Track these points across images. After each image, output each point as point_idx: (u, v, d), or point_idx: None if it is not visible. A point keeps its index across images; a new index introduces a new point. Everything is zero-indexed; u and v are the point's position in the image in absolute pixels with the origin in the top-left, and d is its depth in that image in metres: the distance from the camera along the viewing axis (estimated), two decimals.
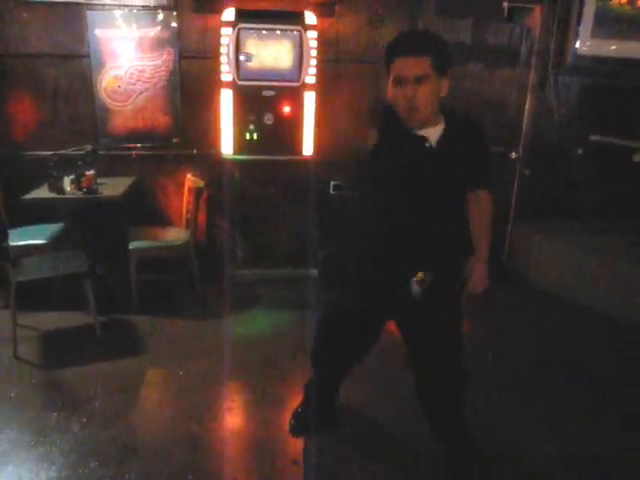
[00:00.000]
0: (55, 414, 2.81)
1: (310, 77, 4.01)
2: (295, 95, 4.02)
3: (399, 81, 1.85)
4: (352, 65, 4.45)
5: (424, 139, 1.94)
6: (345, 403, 2.83)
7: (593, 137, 4.69)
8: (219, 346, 3.54)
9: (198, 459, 2.52)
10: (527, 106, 4.64)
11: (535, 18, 4.44)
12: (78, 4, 4.13)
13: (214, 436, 2.71)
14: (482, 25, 4.44)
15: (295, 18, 3.93)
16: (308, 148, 4.17)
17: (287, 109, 4.04)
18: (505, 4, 4.29)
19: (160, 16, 4.19)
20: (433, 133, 1.95)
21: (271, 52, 3.96)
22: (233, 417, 2.90)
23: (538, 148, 4.71)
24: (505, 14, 4.31)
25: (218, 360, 3.36)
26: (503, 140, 4.67)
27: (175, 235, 4.14)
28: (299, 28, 3.91)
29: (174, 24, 4.20)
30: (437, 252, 2.03)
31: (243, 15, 3.85)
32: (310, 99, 4.05)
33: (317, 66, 4.03)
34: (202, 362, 3.32)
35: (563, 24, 4.47)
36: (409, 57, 1.83)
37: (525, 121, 4.67)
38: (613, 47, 4.52)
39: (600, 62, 4.57)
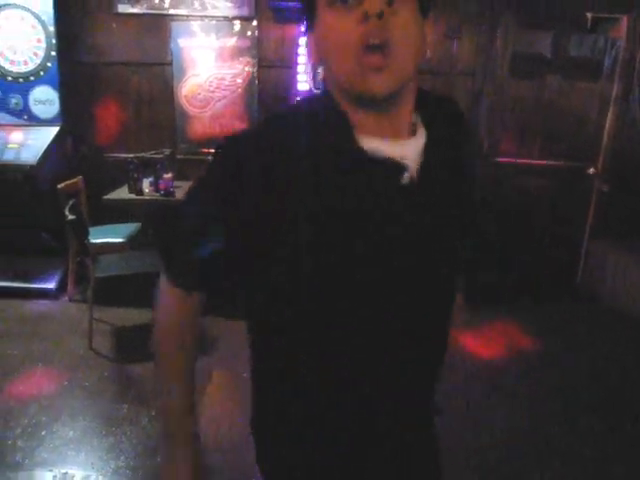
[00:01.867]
0: (125, 406, 2.92)
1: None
2: None
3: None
4: (426, 77, 4.41)
5: (397, 166, 0.87)
6: None
7: None
8: None
9: None
10: (608, 119, 4.46)
11: (620, 28, 4.28)
12: (163, 15, 4.32)
13: None
14: (564, 37, 4.32)
15: None
16: None
17: None
18: (589, 15, 4.16)
19: (240, 26, 4.31)
20: (410, 149, 0.89)
21: None
22: None
23: (619, 163, 4.52)
24: (588, 25, 4.17)
25: None
26: (581, 154, 4.53)
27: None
28: None
29: (253, 34, 4.32)
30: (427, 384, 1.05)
31: None
32: None
33: None
34: None
35: None
36: None
37: (605, 135, 4.50)
38: None
39: None
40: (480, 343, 3.78)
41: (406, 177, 0.87)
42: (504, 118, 4.51)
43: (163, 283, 0.99)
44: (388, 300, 0.89)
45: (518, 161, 4.59)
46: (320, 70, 1.02)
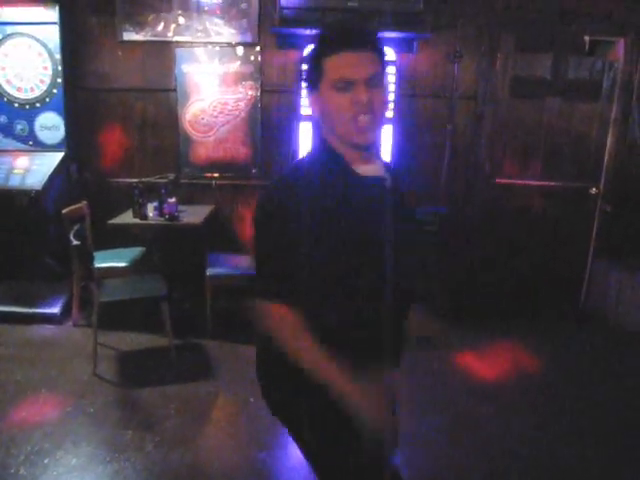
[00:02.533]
0: (130, 432, 2.90)
1: (388, 111, 4.05)
2: None
3: (343, 85, 1.33)
4: (428, 101, 4.47)
5: (383, 179, 1.47)
6: None
7: None
8: None
9: None
10: (609, 140, 4.50)
11: (618, 51, 4.33)
12: (167, 42, 4.38)
13: (281, 464, 2.72)
14: (562, 60, 4.37)
15: None
16: None
17: None
18: (587, 38, 4.22)
19: (243, 52, 4.37)
20: (381, 170, 1.49)
21: None
22: None
23: (621, 183, 4.54)
24: (587, 48, 4.23)
25: None
26: (583, 175, 4.55)
27: (251, 263, 4.22)
28: None
29: (257, 60, 4.37)
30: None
31: None
32: (387, 133, 4.10)
33: (395, 100, 4.10)
34: None
35: None
36: (360, 52, 1.33)
37: (606, 156, 4.53)
38: None
39: None
40: (484, 363, 3.77)
41: (388, 184, 1.46)
42: (505, 140, 4.54)
43: (270, 311, 1.37)
44: (383, 255, 1.42)
45: (520, 182, 4.61)
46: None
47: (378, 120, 1.38)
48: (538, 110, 4.47)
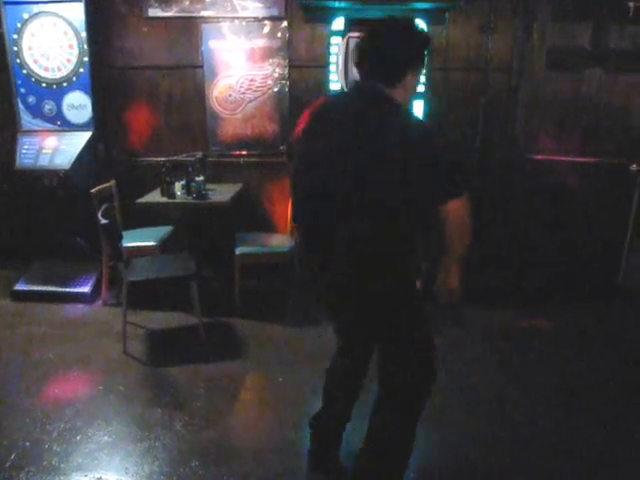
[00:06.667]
0: (159, 410, 2.90)
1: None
2: None
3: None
4: (460, 74, 4.34)
5: None
6: None
7: None
8: (319, 354, 3.51)
9: (295, 467, 2.49)
10: None
11: None
12: (193, 18, 4.31)
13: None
14: (603, 28, 4.17)
15: None
16: None
17: None
18: (630, 4, 4.00)
19: (270, 27, 4.28)
20: None
21: None
22: None
23: None
24: (630, 13, 4.01)
25: (318, 368, 3.31)
26: (623, 150, 4.37)
27: (280, 242, 4.18)
28: None
29: (285, 34, 4.28)
30: None
31: (353, 24, 3.85)
32: (418, 107, 3.98)
33: (426, 74, 3.96)
34: (302, 369, 3.30)
35: None
36: None
37: None
38: None
39: None
40: (518, 342, 3.71)
41: None
42: (542, 114, 4.38)
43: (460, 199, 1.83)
44: None
45: (556, 158, 4.46)
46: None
47: None
48: (576, 82, 4.29)
